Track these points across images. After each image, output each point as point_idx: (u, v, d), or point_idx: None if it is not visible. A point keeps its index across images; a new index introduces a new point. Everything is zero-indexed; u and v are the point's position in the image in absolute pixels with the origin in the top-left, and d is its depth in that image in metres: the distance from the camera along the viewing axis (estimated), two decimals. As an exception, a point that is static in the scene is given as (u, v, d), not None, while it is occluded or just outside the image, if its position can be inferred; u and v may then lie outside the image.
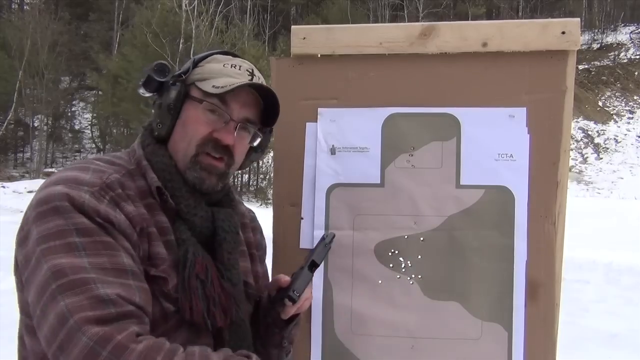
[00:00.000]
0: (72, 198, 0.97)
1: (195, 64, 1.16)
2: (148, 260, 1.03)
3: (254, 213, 1.37)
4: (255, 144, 1.18)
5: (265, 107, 1.17)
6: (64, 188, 0.99)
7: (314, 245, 1.20)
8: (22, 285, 0.98)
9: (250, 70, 1.16)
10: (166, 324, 1.01)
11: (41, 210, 0.97)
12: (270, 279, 1.31)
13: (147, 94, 1.14)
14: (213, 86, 1.10)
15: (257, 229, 1.34)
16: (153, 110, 1.16)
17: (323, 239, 1.23)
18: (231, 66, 1.14)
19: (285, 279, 1.18)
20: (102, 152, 27.69)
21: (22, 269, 0.97)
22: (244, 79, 1.13)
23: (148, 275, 1.02)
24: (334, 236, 1.28)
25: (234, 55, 1.20)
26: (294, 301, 1.13)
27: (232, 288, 1.11)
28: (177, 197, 1.09)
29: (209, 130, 1.11)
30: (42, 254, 0.93)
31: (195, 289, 1.04)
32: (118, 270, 0.94)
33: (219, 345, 1.06)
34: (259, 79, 1.17)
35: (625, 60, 36.17)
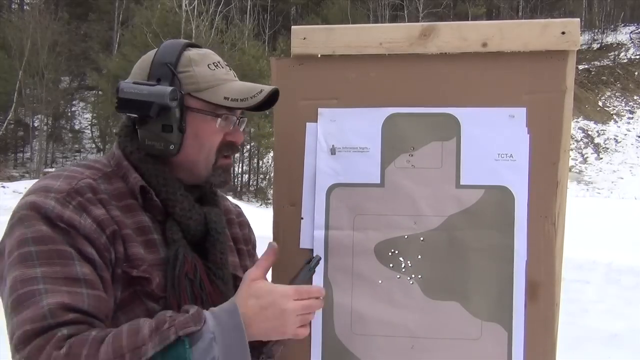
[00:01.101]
0: (37, 206, 0.99)
1: (176, 72, 1.10)
2: (127, 262, 1.03)
3: (240, 208, 1.39)
4: (242, 128, 1.21)
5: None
6: (32, 197, 1.01)
7: (299, 270, 1.16)
8: None
9: (224, 62, 1.18)
10: None
11: (11, 224, 1.01)
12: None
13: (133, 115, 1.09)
14: (226, 98, 1.10)
15: (244, 223, 1.36)
16: (144, 128, 1.09)
17: (308, 262, 1.20)
18: (215, 66, 1.14)
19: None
20: (102, 152, 27.72)
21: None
22: (230, 76, 1.16)
23: (130, 277, 1.02)
24: (319, 260, 1.24)
25: (191, 45, 1.17)
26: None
27: (223, 286, 1.12)
28: (172, 201, 1.10)
29: (222, 135, 1.14)
30: (7, 269, 0.97)
31: (184, 287, 1.05)
32: (69, 279, 0.94)
33: None
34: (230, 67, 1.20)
35: (625, 60, 36.19)
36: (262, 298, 1.01)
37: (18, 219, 0.99)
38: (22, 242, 0.97)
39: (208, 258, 1.14)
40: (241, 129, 1.20)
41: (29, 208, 0.99)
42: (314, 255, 1.25)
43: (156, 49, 1.14)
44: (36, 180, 1.10)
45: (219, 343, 0.92)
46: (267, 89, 1.13)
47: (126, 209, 1.07)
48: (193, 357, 0.88)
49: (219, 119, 1.12)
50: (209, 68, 1.13)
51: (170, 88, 1.06)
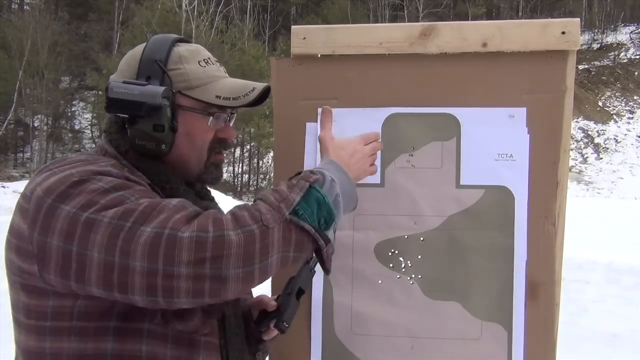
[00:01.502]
0: (94, 171, 0.95)
1: (163, 68, 1.07)
2: None
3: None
4: (232, 123, 1.21)
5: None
6: (76, 170, 0.95)
7: (298, 270, 1.15)
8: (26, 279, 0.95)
9: (214, 58, 1.16)
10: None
11: (60, 191, 0.92)
12: None
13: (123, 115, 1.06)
14: (218, 96, 1.09)
15: None
16: (135, 128, 1.06)
17: (307, 262, 1.18)
18: (205, 62, 1.12)
19: (271, 303, 1.17)
20: (102, 152, 27.62)
21: (52, 254, 0.90)
22: (221, 72, 1.15)
23: None
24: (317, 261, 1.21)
25: (180, 40, 1.15)
26: (282, 332, 1.13)
27: None
28: (177, 196, 1.08)
29: (214, 132, 1.13)
30: (94, 213, 0.89)
31: None
32: (172, 207, 0.92)
33: (222, 331, 1.09)
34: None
35: (625, 60, 36.19)
36: (346, 147, 1.20)
37: (75, 183, 0.92)
38: (104, 193, 0.91)
39: None
40: (231, 124, 1.19)
41: (84, 174, 0.93)
42: (312, 256, 1.24)
43: (144, 45, 1.11)
44: (28, 182, 1.02)
45: (338, 183, 1.04)
46: (259, 86, 1.12)
47: None
48: (324, 193, 1.00)
49: (211, 118, 1.11)
50: (199, 65, 1.11)
51: (162, 88, 1.03)
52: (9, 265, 0.99)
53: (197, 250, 0.86)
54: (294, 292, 1.13)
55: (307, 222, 0.96)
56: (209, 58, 1.14)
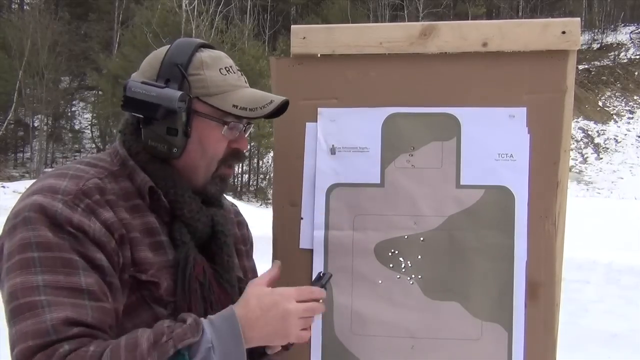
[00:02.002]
0: (44, 208, 0.95)
1: (184, 72, 1.07)
2: (134, 267, 1.01)
3: (237, 207, 1.37)
4: (247, 134, 1.19)
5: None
6: (38, 198, 0.97)
7: (311, 283, 1.14)
8: None
9: (235, 67, 1.15)
10: None
11: (13, 223, 0.96)
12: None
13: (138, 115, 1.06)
14: (234, 106, 1.07)
15: (242, 223, 1.34)
16: (149, 128, 1.07)
17: (319, 277, 1.16)
18: (226, 70, 1.11)
19: None
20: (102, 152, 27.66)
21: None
22: (242, 82, 1.13)
23: (138, 282, 1.00)
24: (330, 276, 1.19)
25: (205, 46, 1.14)
26: (287, 349, 1.11)
27: (230, 289, 1.11)
28: (180, 203, 1.07)
29: (227, 143, 1.11)
30: (5, 272, 0.94)
31: (195, 291, 1.04)
32: (73, 289, 0.92)
33: None
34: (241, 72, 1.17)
35: (625, 60, 36.19)
36: (264, 299, 1.00)
37: (22, 220, 0.95)
38: (25, 247, 0.93)
39: (215, 261, 1.12)
40: (246, 135, 1.17)
41: (35, 210, 0.95)
42: (325, 273, 1.20)
43: (168, 47, 1.11)
44: (35, 180, 1.06)
45: (217, 352, 0.91)
46: (277, 99, 1.11)
47: (133, 210, 1.05)
48: None
49: (225, 127, 1.09)
50: (220, 73, 1.09)
51: (179, 93, 1.03)
52: None
53: None
54: None
55: None
56: (230, 66, 1.12)
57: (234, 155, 1.13)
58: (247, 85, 1.15)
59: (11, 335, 0.90)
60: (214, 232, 1.13)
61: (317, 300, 1.07)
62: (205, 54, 1.10)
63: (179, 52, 1.08)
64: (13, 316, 0.91)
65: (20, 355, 0.88)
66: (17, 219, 0.96)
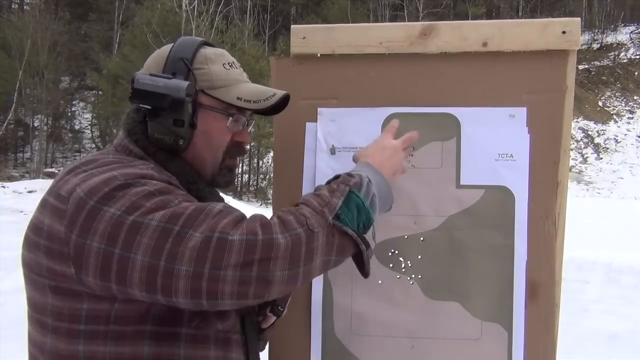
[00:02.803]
0: (138, 174, 0.96)
1: (188, 66, 1.10)
2: None
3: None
4: (250, 128, 1.22)
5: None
6: (120, 170, 0.96)
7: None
8: (54, 281, 0.94)
9: (237, 63, 1.19)
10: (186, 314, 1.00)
11: (104, 193, 0.92)
12: None
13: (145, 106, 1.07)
14: (238, 98, 1.11)
15: None
16: (156, 121, 1.07)
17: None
18: (230, 66, 1.15)
19: None
20: (102, 152, 27.62)
21: (92, 255, 0.90)
22: (244, 77, 1.18)
23: None
24: None
25: (207, 44, 1.17)
26: (279, 316, 1.15)
27: None
28: (202, 198, 1.08)
29: (231, 135, 1.15)
30: (141, 216, 0.90)
31: None
32: (218, 211, 0.94)
33: (243, 327, 1.11)
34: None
35: (625, 60, 36.19)
36: (376, 144, 1.22)
37: (120, 186, 0.92)
38: (149, 196, 0.91)
39: None
40: (248, 130, 1.21)
41: (129, 177, 0.94)
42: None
43: (172, 45, 1.14)
44: (57, 180, 1.01)
45: (373, 182, 1.08)
46: (279, 93, 1.15)
47: None
48: (363, 198, 1.03)
49: (230, 119, 1.13)
50: (224, 67, 1.14)
51: (186, 82, 1.05)
52: (34, 267, 0.98)
53: (246, 253, 0.88)
54: None
55: (349, 227, 0.99)
56: (233, 62, 1.16)
57: (237, 147, 1.17)
58: (249, 81, 1.19)
59: (196, 239, 0.87)
60: None
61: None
62: (209, 50, 1.15)
63: (183, 48, 1.12)
64: (189, 226, 0.88)
65: (226, 229, 0.89)
66: (108, 188, 0.92)
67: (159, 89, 1.04)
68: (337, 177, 1.07)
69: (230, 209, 0.96)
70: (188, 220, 0.89)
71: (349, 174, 1.07)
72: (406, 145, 1.26)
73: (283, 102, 1.17)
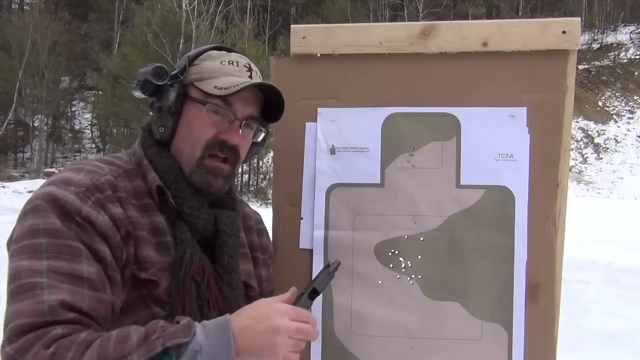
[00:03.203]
0: (55, 197, 0.98)
1: (191, 63, 1.14)
2: (136, 264, 1.02)
3: (260, 216, 1.36)
4: (259, 139, 1.19)
5: (267, 102, 1.17)
6: (52, 188, 1.00)
7: (318, 272, 1.13)
8: None
9: (248, 66, 1.16)
10: None
11: (25, 210, 1.00)
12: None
13: (143, 97, 1.13)
14: (215, 87, 1.09)
15: (262, 231, 1.33)
16: (151, 113, 1.14)
17: (328, 266, 1.16)
18: (228, 63, 1.13)
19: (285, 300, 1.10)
20: (102, 152, 27.69)
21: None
22: (244, 76, 1.13)
23: (138, 280, 1.01)
24: (338, 264, 1.17)
25: (229, 50, 1.19)
26: None
27: (230, 292, 1.10)
28: (181, 198, 1.08)
29: (215, 132, 1.10)
30: (12, 253, 0.96)
31: (190, 290, 1.03)
32: (74, 276, 0.94)
33: None
34: (257, 73, 1.17)
35: (625, 60, 36.17)
36: (258, 310, 0.97)
37: (33, 208, 0.98)
38: (34, 232, 0.96)
39: (216, 261, 1.12)
40: (245, 134, 1.14)
41: (47, 199, 0.98)
42: (333, 261, 1.19)
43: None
44: (57, 171, 1.10)
45: (204, 357, 0.90)
46: (256, 81, 1.11)
47: (143, 209, 1.06)
48: None
49: (204, 108, 1.10)
50: (220, 63, 1.13)
51: (162, 67, 1.10)
52: None
53: None
54: (307, 291, 1.09)
55: None
56: (237, 62, 1.14)
57: (219, 145, 1.11)
58: (251, 78, 1.14)
59: (7, 313, 0.92)
60: (216, 231, 1.13)
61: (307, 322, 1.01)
62: (218, 52, 1.16)
63: (197, 49, 1.17)
64: (13, 295, 0.93)
65: (13, 331, 0.89)
66: (29, 207, 0.99)
67: (140, 75, 1.11)
68: (177, 321, 0.93)
69: (54, 305, 0.90)
70: (16, 289, 0.92)
71: (190, 325, 0.91)
72: (300, 336, 0.98)
73: (278, 105, 1.14)
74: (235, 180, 1.33)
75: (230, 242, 1.13)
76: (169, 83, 1.10)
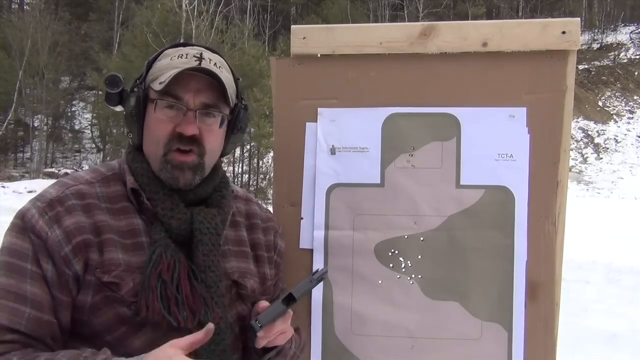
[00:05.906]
0: (24, 214, 1.05)
1: (149, 66, 1.15)
2: (100, 268, 1.03)
3: (270, 214, 1.34)
4: (223, 126, 1.15)
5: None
6: (29, 204, 1.07)
7: (310, 277, 1.12)
8: None
9: (199, 55, 1.12)
10: (122, 328, 1.03)
11: (10, 224, 1.06)
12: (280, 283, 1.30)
13: (117, 108, 1.15)
14: (160, 83, 1.09)
15: (270, 229, 1.29)
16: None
17: (314, 273, 1.14)
18: (178, 57, 1.12)
19: (264, 304, 1.12)
20: (102, 152, 27.70)
21: None
22: (189, 64, 1.10)
23: (101, 283, 1.03)
24: (324, 272, 1.16)
25: (185, 44, 1.18)
26: (254, 331, 1.08)
27: (204, 289, 1.08)
28: (155, 200, 1.09)
29: (172, 127, 1.10)
30: None
31: (154, 288, 1.03)
32: (19, 295, 0.99)
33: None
34: (210, 61, 1.13)
35: (625, 60, 36.17)
36: (159, 353, 0.93)
37: (9, 225, 1.06)
38: (1, 250, 1.04)
39: (193, 260, 1.11)
40: (207, 122, 1.11)
41: (17, 215, 1.06)
42: (321, 269, 1.18)
43: None
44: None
45: None
46: (188, 66, 1.09)
47: (119, 212, 1.08)
48: None
49: (157, 105, 1.10)
50: (170, 60, 1.13)
51: (111, 75, 1.15)
52: None
53: None
54: (282, 296, 1.09)
55: None
56: (186, 54, 1.12)
57: (177, 138, 1.09)
58: (199, 64, 1.11)
59: None
60: (192, 230, 1.12)
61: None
62: (174, 49, 1.16)
63: (157, 53, 1.18)
64: None
65: None
66: (10, 222, 1.06)
67: (106, 89, 1.16)
68: (101, 354, 0.94)
69: None
70: None
71: None
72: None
73: (220, 86, 1.09)
74: (235, 180, 1.33)
75: (206, 240, 1.11)
76: (129, 90, 1.14)
